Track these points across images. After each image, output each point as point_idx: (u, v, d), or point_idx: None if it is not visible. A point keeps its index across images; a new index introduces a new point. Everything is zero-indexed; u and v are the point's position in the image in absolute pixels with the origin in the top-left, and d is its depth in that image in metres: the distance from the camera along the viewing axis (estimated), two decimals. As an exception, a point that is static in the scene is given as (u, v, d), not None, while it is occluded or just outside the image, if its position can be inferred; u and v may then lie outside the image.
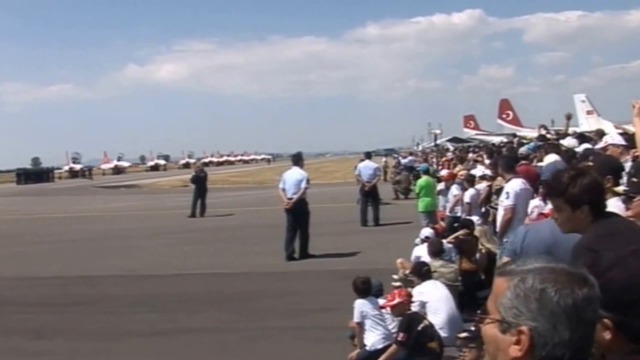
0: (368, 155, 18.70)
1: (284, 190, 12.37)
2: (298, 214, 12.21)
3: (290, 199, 12.19)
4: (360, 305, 6.08)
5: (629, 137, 6.65)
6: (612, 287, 1.59)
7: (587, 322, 1.36)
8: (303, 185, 12.25)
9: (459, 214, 11.21)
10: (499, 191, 8.68)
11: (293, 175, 12.44)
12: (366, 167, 17.24)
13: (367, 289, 6.23)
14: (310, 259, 12.13)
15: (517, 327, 1.34)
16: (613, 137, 7.16)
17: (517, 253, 3.63)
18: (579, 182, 3.01)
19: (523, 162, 10.02)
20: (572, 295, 1.33)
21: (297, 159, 12.99)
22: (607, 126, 24.27)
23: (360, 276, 6.40)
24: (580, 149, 10.63)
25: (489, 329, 1.39)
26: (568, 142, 12.40)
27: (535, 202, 7.04)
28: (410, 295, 6.03)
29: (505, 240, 7.19)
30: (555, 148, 10.29)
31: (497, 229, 7.60)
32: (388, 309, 5.96)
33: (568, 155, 9.38)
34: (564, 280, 1.35)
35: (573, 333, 1.33)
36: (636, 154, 5.95)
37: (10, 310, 9.06)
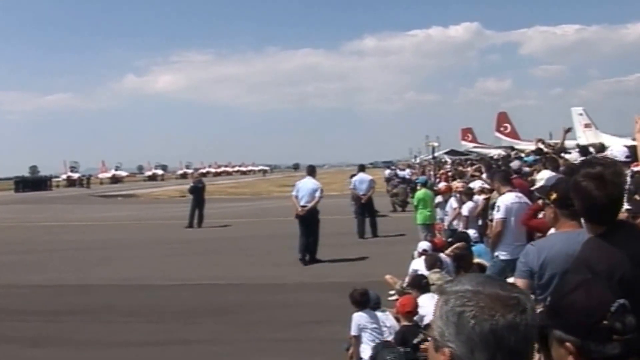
0: (362, 168, 18.40)
1: (297, 197, 13.06)
2: (309, 221, 12.87)
3: (303, 206, 12.85)
4: (358, 318, 6.04)
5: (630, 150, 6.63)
6: (573, 309, 1.61)
7: (510, 350, 1.29)
8: (317, 195, 12.97)
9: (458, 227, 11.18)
10: (494, 205, 8.67)
11: (307, 185, 13.15)
12: (361, 180, 17.23)
13: (365, 301, 6.19)
14: (309, 265, 12.52)
15: (442, 347, 1.33)
16: (613, 151, 7.14)
17: (534, 272, 3.54)
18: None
19: (515, 175, 10.04)
20: (491, 321, 1.28)
21: (311, 170, 13.80)
22: (605, 139, 24.38)
23: (357, 288, 6.36)
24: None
25: (429, 345, 1.39)
26: (572, 156, 12.44)
27: None
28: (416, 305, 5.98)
29: (496, 254, 7.17)
30: (554, 163, 10.29)
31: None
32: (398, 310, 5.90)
33: (568, 167, 9.36)
34: (486, 305, 1.30)
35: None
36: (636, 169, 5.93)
37: (5, 318, 8.99)
